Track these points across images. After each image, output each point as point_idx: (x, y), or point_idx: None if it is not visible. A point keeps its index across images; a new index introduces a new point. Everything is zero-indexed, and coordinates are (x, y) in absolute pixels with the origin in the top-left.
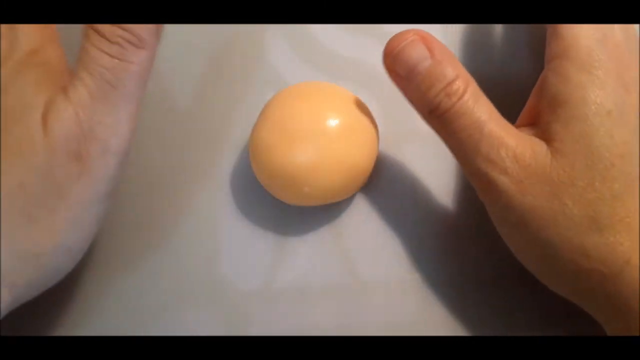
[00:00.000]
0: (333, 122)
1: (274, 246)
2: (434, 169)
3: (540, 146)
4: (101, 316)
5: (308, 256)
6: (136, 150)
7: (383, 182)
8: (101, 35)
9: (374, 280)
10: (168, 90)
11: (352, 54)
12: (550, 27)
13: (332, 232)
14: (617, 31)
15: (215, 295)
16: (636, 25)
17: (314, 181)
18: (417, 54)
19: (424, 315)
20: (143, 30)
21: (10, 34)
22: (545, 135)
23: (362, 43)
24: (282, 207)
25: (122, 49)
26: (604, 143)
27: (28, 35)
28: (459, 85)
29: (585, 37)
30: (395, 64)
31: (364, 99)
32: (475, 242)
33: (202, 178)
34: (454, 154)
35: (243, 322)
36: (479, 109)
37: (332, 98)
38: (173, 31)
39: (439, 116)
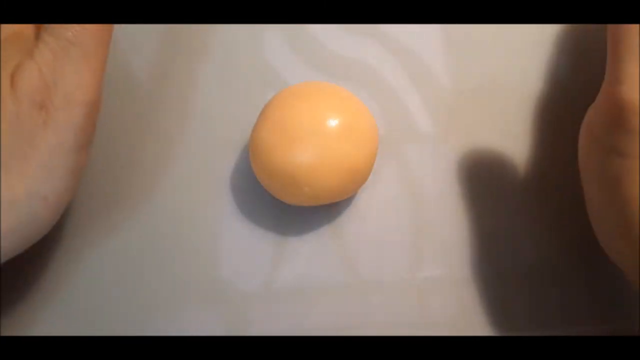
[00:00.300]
0: (333, 122)
1: (274, 246)
2: (433, 169)
3: None
4: (101, 316)
5: (308, 256)
6: (136, 150)
7: (383, 182)
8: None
9: (374, 280)
10: (168, 90)
11: (352, 54)
12: None
13: (332, 232)
14: None
15: (215, 295)
16: None
17: (314, 181)
18: None
19: (423, 315)
20: (84, 30)
21: None
22: None
23: (362, 43)
24: (282, 207)
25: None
26: None
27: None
28: None
29: None
30: None
31: (364, 99)
32: (475, 241)
33: (202, 178)
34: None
35: (243, 322)
36: None
37: (332, 98)
38: (173, 31)
39: None
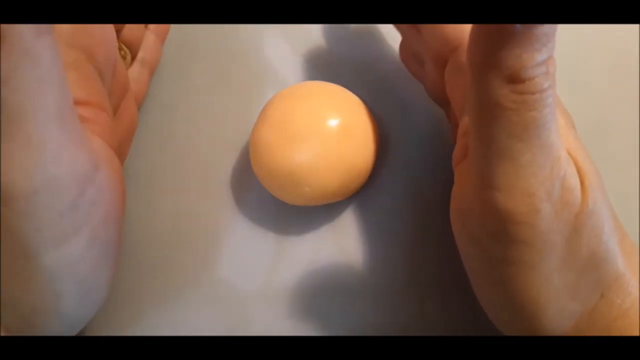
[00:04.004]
0: (333, 122)
1: (274, 246)
2: (433, 169)
3: (575, 180)
4: (101, 316)
5: (308, 256)
6: (136, 150)
7: (383, 182)
8: None
9: (374, 280)
10: (168, 90)
11: (352, 54)
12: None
13: (332, 232)
14: None
15: (215, 295)
16: None
17: (314, 181)
18: None
19: (424, 315)
20: None
21: None
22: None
23: (362, 43)
24: (282, 207)
25: None
26: None
27: None
28: (554, 67)
29: None
30: None
31: (364, 99)
32: None
33: (202, 178)
34: (485, 152)
35: (243, 322)
36: (554, 110)
37: (332, 98)
38: (172, 31)
39: (523, 93)
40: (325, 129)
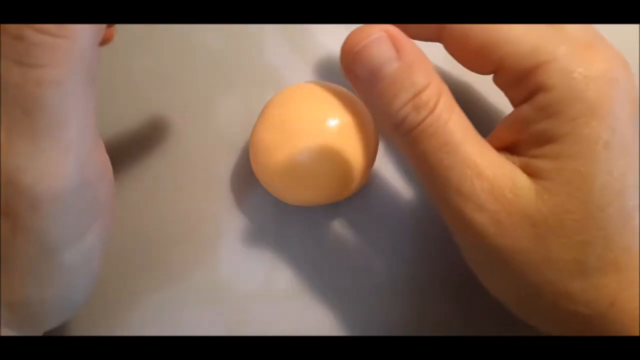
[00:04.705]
0: (333, 122)
1: (274, 246)
2: None
3: (522, 180)
4: (99, 316)
5: (308, 256)
6: (136, 150)
7: (383, 182)
8: (4, 31)
9: (374, 280)
10: (168, 90)
11: None
12: (516, 60)
13: (332, 232)
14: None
15: (215, 295)
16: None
17: (314, 181)
18: (382, 53)
19: (423, 315)
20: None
21: None
22: (528, 169)
23: None
24: (282, 207)
25: (29, 46)
26: (601, 182)
27: None
28: (430, 95)
29: (569, 70)
30: (355, 64)
31: None
32: None
33: (202, 178)
34: (423, 184)
35: (243, 322)
36: (452, 127)
37: (332, 98)
38: (172, 31)
39: (405, 134)
40: (325, 129)
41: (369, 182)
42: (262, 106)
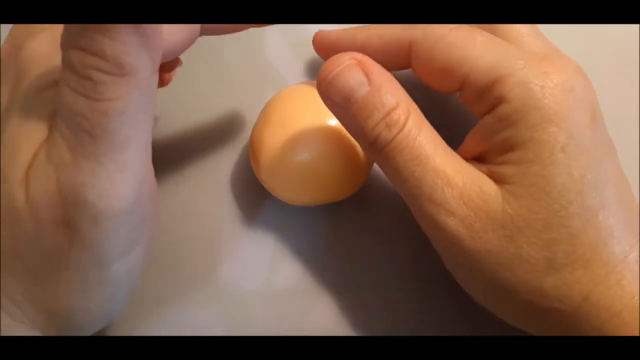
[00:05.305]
0: (333, 122)
1: (274, 246)
2: None
3: (489, 186)
4: None
5: (308, 256)
6: None
7: (383, 182)
8: (70, 69)
9: (374, 280)
10: (168, 90)
11: None
12: (478, 76)
13: (332, 232)
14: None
15: (215, 295)
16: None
17: (314, 181)
18: (353, 79)
19: (423, 315)
20: (121, 50)
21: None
22: (495, 175)
23: None
24: (282, 207)
25: (96, 84)
26: (561, 182)
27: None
28: (399, 114)
29: (525, 82)
30: (330, 91)
31: None
32: None
33: (202, 178)
34: (400, 194)
35: (243, 322)
36: (421, 141)
37: None
38: None
39: (380, 151)
40: (325, 129)
41: (369, 182)
42: (261, 106)
